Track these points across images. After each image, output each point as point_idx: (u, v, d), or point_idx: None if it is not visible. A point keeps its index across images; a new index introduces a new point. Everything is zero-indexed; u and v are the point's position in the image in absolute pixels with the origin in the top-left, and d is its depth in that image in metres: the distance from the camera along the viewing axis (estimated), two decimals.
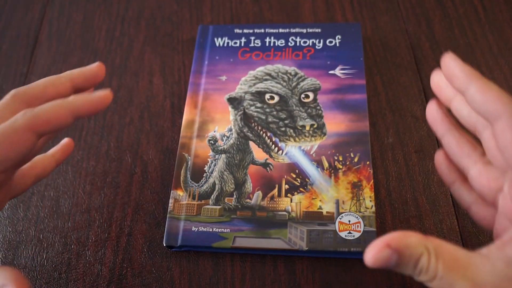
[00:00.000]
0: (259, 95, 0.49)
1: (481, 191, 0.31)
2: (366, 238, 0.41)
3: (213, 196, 0.45)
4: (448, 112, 0.33)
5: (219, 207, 0.44)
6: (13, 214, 0.47)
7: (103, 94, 0.33)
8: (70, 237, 0.45)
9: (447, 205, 0.44)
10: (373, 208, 0.43)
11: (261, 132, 0.47)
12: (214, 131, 0.48)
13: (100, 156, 0.50)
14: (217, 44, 0.54)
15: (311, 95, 0.49)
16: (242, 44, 0.54)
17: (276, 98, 0.49)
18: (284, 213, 0.43)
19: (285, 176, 0.45)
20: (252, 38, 0.54)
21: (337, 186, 0.44)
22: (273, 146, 0.47)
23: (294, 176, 0.45)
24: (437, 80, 0.33)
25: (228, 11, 0.60)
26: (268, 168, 0.46)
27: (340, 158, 0.45)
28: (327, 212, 0.43)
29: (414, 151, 0.48)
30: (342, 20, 0.58)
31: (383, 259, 0.24)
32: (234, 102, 0.50)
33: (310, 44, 0.53)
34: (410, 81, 0.52)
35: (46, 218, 0.46)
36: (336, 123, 0.47)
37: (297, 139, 0.47)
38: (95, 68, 0.36)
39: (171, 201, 0.44)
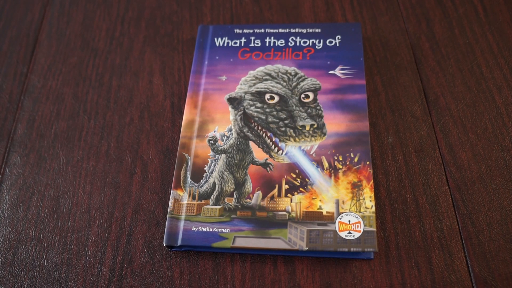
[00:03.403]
0: (259, 95, 0.49)
1: None
2: (366, 238, 0.41)
3: (213, 196, 0.45)
4: None
5: (219, 207, 0.44)
6: (13, 214, 0.47)
7: None
8: (70, 237, 0.45)
9: (447, 205, 0.44)
10: (373, 208, 0.43)
11: (261, 132, 0.47)
12: (214, 131, 0.48)
13: (100, 156, 0.50)
14: (217, 44, 0.54)
15: (311, 95, 0.49)
16: (242, 44, 0.54)
17: (276, 98, 0.49)
18: (284, 213, 0.43)
19: (285, 176, 0.45)
20: (252, 38, 0.54)
21: (337, 186, 0.44)
22: (273, 146, 0.47)
23: (294, 176, 0.45)
24: None
25: (228, 11, 0.60)
26: (268, 168, 0.46)
27: (340, 158, 0.45)
28: (327, 212, 0.43)
29: (414, 151, 0.48)
30: (342, 20, 0.58)
31: None
32: (234, 102, 0.50)
33: (310, 44, 0.53)
34: (410, 81, 0.52)
35: (46, 218, 0.46)
36: (336, 123, 0.47)
37: (297, 139, 0.47)
38: None
39: (171, 201, 0.44)
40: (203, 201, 0.44)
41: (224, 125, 0.48)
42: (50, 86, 0.55)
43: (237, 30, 0.55)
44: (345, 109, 0.48)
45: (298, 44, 0.53)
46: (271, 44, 0.53)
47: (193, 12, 0.60)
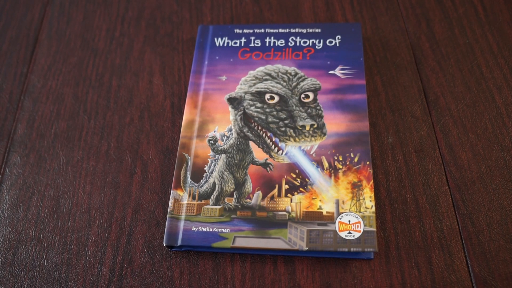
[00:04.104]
0: (259, 95, 0.49)
1: None
2: (366, 238, 0.41)
3: (213, 196, 0.45)
4: None
5: (219, 207, 0.44)
6: (13, 214, 0.47)
7: None
8: (70, 237, 0.45)
9: (447, 205, 0.44)
10: (373, 208, 0.43)
11: (261, 132, 0.47)
12: (214, 131, 0.48)
13: (100, 156, 0.50)
14: (217, 44, 0.54)
15: (311, 95, 0.49)
16: (242, 44, 0.54)
17: (276, 98, 0.49)
18: (284, 213, 0.43)
19: (285, 176, 0.45)
20: (252, 38, 0.54)
21: (337, 186, 0.44)
22: (273, 146, 0.47)
23: (294, 176, 0.45)
24: None
25: (228, 11, 0.60)
26: (268, 168, 0.46)
27: (340, 158, 0.45)
28: (327, 212, 0.43)
29: (414, 151, 0.48)
30: (342, 20, 0.58)
31: None
32: (234, 102, 0.50)
33: (310, 44, 0.53)
34: (410, 81, 0.52)
35: (46, 218, 0.46)
36: (336, 123, 0.47)
37: (297, 139, 0.47)
38: None
39: (171, 201, 0.44)
40: (203, 201, 0.44)
41: (224, 125, 0.48)
42: (50, 86, 0.55)
43: (237, 30, 0.55)
44: (345, 109, 0.48)
45: (298, 44, 0.53)
46: (271, 44, 0.53)
47: (193, 12, 0.60)
